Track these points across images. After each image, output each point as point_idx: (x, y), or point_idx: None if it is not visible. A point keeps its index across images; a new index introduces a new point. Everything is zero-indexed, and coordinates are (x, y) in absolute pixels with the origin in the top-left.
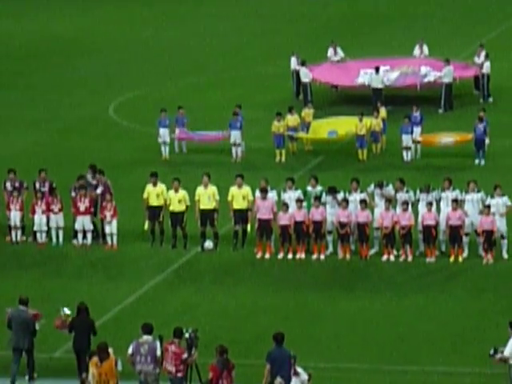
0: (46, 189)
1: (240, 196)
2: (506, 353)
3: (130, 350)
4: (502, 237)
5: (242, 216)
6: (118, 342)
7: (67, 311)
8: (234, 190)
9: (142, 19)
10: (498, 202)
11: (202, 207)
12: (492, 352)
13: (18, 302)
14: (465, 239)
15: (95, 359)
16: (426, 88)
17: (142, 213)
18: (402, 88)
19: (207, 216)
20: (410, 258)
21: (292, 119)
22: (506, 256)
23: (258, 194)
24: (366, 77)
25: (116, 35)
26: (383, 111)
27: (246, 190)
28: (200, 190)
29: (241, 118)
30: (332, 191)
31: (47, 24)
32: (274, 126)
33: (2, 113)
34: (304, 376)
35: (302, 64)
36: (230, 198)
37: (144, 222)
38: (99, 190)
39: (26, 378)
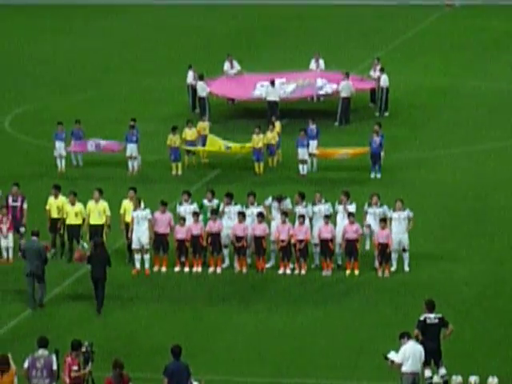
0: None
1: (131, 209)
2: (398, 360)
3: (25, 365)
4: (404, 250)
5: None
6: (14, 356)
7: (85, 245)
8: (126, 203)
9: (38, 31)
10: (400, 216)
11: (91, 222)
12: (385, 357)
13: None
14: (393, 255)
15: None
16: (322, 101)
17: (42, 225)
18: (298, 100)
19: (97, 231)
20: (304, 272)
21: (190, 133)
22: (407, 269)
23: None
24: (262, 89)
25: (8, 48)
26: (278, 125)
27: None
28: (90, 204)
29: (136, 132)
30: (278, 199)
31: None
32: (170, 139)
33: None
34: None
35: (200, 78)
36: (122, 211)
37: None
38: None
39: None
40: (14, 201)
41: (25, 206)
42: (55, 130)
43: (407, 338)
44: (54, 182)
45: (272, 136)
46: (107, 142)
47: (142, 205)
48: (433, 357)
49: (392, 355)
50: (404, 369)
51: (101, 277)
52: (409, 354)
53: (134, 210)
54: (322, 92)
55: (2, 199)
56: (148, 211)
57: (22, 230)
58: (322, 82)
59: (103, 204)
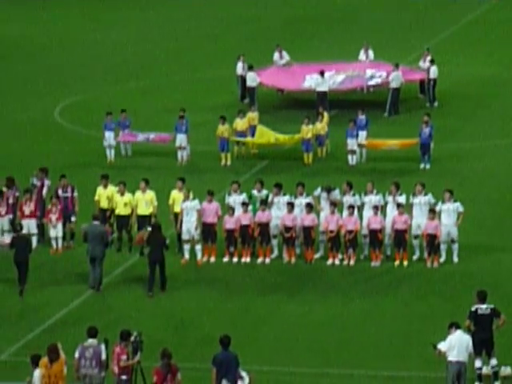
0: None
1: (180, 200)
2: (444, 348)
3: (76, 355)
4: (453, 241)
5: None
6: (64, 345)
7: (149, 228)
8: (175, 193)
9: (87, 22)
10: (449, 208)
11: (139, 213)
12: (434, 346)
13: (91, 218)
14: (442, 246)
15: (45, 360)
16: (371, 91)
17: (88, 215)
18: (347, 91)
19: (144, 221)
20: (353, 262)
21: (241, 123)
22: (456, 260)
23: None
24: (311, 81)
25: (60, 39)
26: (326, 115)
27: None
28: (138, 195)
29: (186, 122)
30: (327, 190)
31: None
32: (219, 129)
33: None
34: (247, 380)
35: (250, 68)
36: (170, 202)
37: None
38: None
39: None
40: (64, 192)
41: (75, 194)
42: (104, 120)
43: (455, 328)
44: (103, 172)
45: (321, 126)
46: (156, 135)
47: (191, 196)
48: (485, 347)
49: (441, 345)
50: (449, 358)
51: (159, 259)
52: (454, 344)
53: (184, 201)
54: (371, 83)
55: (51, 189)
56: (197, 202)
57: (74, 218)
58: (372, 72)
59: (150, 194)
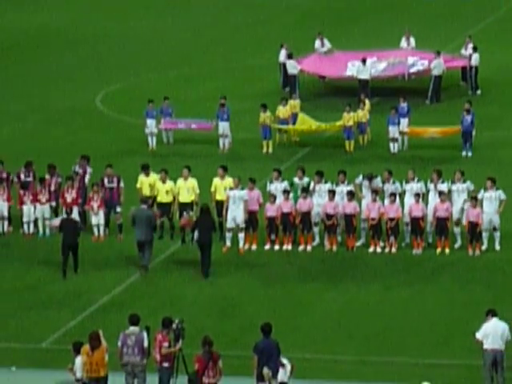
0: (30, 179)
1: (222, 187)
2: (479, 336)
3: (119, 342)
4: (495, 229)
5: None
6: (106, 332)
7: (191, 213)
8: (216, 181)
9: (129, 10)
10: (492, 196)
11: (181, 200)
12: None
13: (139, 202)
14: (484, 234)
15: (86, 347)
16: (413, 79)
17: (130, 203)
18: (389, 79)
19: (186, 209)
20: (394, 250)
21: (283, 110)
22: (498, 247)
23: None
24: (353, 69)
25: (102, 26)
26: (368, 103)
27: (229, 181)
28: (180, 182)
29: (227, 110)
30: (368, 177)
31: (33, 16)
32: (261, 117)
33: None
34: (288, 367)
35: (289, 57)
36: (212, 189)
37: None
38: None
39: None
40: (109, 182)
41: (121, 185)
42: (146, 108)
43: (491, 316)
44: (144, 160)
45: (363, 114)
46: (198, 123)
47: (240, 185)
48: None
49: (477, 333)
50: (484, 346)
51: (207, 242)
52: (489, 332)
53: (232, 189)
54: (413, 70)
55: (92, 177)
56: (245, 192)
57: (119, 209)
58: (413, 59)
59: (192, 181)
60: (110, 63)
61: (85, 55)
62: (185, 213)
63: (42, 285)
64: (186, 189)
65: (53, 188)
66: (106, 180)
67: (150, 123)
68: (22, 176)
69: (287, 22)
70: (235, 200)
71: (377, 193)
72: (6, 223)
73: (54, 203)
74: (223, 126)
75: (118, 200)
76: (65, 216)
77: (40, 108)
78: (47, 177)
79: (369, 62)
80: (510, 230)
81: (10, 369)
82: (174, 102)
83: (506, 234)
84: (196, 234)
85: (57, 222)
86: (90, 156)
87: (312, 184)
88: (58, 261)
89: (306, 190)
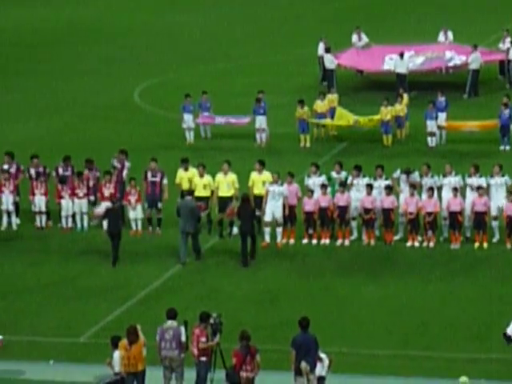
0: (68, 173)
1: (260, 182)
2: (509, 332)
3: (157, 337)
4: None
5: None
6: (143, 326)
7: (235, 202)
8: (254, 175)
9: (166, 4)
10: None
11: (220, 194)
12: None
13: (185, 194)
14: (494, 224)
15: (124, 342)
16: (451, 73)
17: (169, 197)
18: (426, 73)
19: (225, 203)
20: (432, 244)
21: (321, 105)
22: None
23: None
24: (390, 63)
25: (140, 21)
26: (405, 97)
27: (267, 175)
28: (219, 176)
29: (264, 104)
30: (406, 172)
31: (71, 10)
32: (298, 112)
33: (26, 99)
34: (326, 361)
35: (327, 51)
36: (250, 184)
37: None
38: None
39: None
40: (153, 176)
41: (165, 181)
42: (183, 103)
43: None
44: (182, 155)
45: (401, 108)
46: (235, 119)
47: (280, 180)
48: None
49: (508, 329)
50: None
51: (249, 230)
52: None
53: (271, 184)
54: (450, 64)
55: (130, 170)
56: (285, 187)
57: (160, 205)
58: (451, 54)
59: (232, 176)
60: (147, 57)
61: (123, 49)
62: (231, 202)
63: (79, 279)
64: (226, 183)
65: (91, 183)
66: (149, 174)
67: (187, 118)
68: (61, 170)
69: (325, 17)
70: (274, 195)
71: (415, 187)
72: (44, 217)
73: (92, 197)
74: (260, 120)
75: (159, 195)
76: (109, 205)
77: (78, 103)
78: (85, 172)
79: (406, 56)
80: None
81: (49, 363)
82: (210, 96)
83: None
84: (235, 227)
85: (101, 210)
86: (128, 150)
87: (350, 178)
88: (96, 255)
89: (344, 185)
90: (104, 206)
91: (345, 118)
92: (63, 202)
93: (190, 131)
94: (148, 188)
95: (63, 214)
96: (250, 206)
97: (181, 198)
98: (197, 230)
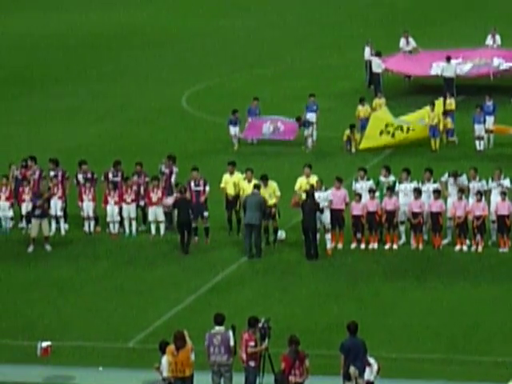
0: (118, 179)
1: (306, 186)
2: None
3: (205, 342)
4: None
5: None
6: (192, 332)
7: (303, 194)
8: (301, 179)
9: (215, 9)
10: None
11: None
12: None
13: (252, 188)
14: None
15: (171, 347)
16: (499, 77)
17: (214, 203)
18: (474, 78)
19: (270, 211)
20: (481, 248)
21: (363, 110)
22: None
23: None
24: (437, 68)
25: (189, 26)
26: (452, 102)
27: (314, 179)
28: (244, 183)
29: (316, 108)
30: (454, 175)
31: (120, 14)
32: (358, 110)
33: (75, 104)
34: (375, 366)
35: (377, 55)
36: (297, 188)
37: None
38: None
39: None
40: (196, 185)
41: (207, 188)
42: (229, 117)
43: None
44: (230, 159)
45: (432, 117)
46: (285, 124)
47: (324, 186)
48: None
49: None
50: None
51: (311, 225)
52: None
53: (316, 190)
54: (498, 70)
55: (178, 176)
56: (329, 192)
57: (206, 214)
58: (499, 60)
59: (272, 186)
60: (195, 62)
61: (171, 54)
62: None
63: (127, 284)
64: (268, 194)
65: (140, 188)
66: (192, 183)
67: (234, 130)
68: (111, 175)
69: (372, 21)
70: (320, 201)
71: (463, 191)
72: (92, 223)
73: (142, 203)
74: (310, 116)
75: (204, 204)
76: (179, 195)
77: (126, 108)
78: (135, 178)
79: (454, 61)
80: None
81: (98, 369)
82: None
83: None
84: (279, 232)
85: (170, 200)
86: (175, 156)
87: (397, 185)
88: (144, 260)
89: (392, 189)
90: (174, 196)
91: (383, 121)
92: (108, 207)
93: (235, 138)
94: (193, 198)
95: (108, 219)
96: (313, 200)
97: (226, 203)
98: (261, 223)
